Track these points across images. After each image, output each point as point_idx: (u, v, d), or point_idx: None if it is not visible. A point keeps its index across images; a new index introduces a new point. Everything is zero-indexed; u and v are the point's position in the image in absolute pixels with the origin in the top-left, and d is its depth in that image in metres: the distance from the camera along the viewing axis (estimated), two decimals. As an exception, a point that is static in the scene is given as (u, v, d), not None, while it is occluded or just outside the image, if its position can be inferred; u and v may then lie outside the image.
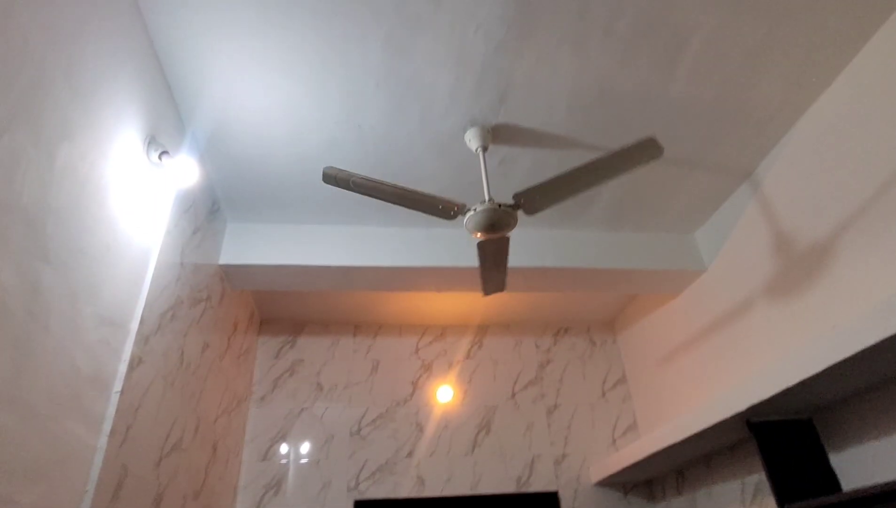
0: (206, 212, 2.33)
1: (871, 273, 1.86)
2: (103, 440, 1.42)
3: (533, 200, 1.82)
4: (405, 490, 3.05)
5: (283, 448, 3.10)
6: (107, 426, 1.44)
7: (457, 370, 3.47)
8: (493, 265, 2.08)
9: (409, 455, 3.15)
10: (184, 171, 1.85)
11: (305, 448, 3.12)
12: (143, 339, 1.66)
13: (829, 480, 1.92)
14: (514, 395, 3.42)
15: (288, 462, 3.06)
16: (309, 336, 3.48)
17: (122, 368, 1.53)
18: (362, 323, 3.56)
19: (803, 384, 1.73)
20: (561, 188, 1.80)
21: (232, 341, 2.76)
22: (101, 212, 1.45)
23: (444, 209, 1.84)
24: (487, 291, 2.23)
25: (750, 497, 2.40)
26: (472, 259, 2.66)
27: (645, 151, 1.69)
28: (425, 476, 3.09)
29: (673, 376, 3.04)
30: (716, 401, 2.09)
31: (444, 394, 3.37)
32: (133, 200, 1.64)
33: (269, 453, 3.08)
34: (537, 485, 3.14)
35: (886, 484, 1.57)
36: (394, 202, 1.85)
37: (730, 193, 2.62)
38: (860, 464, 1.87)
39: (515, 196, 1.82)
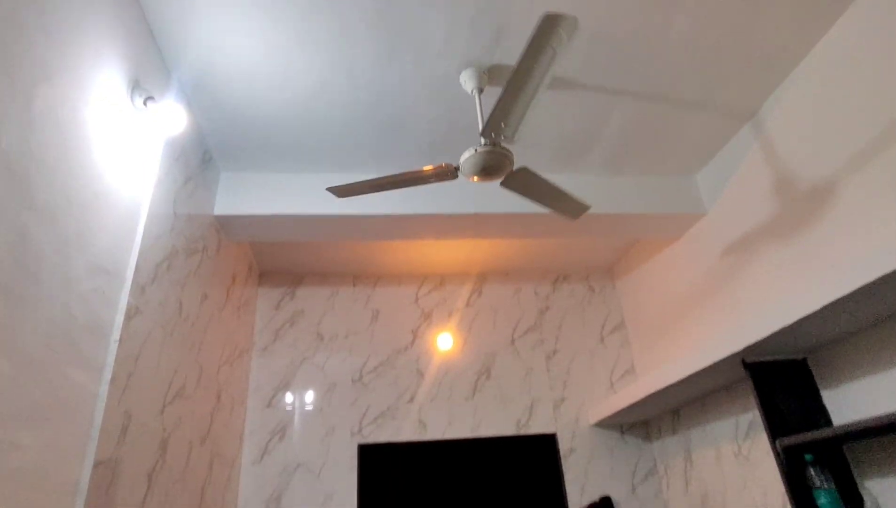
0: (198, 161, 2.28)
1: (873, 215, 1.84)
2: (104, 388, 1.44)
3: (497, 125, 1.74)
4: (407, 434, 3.13)
5: (287, 397, 3.16)
6: (107, 374, 1.46)
7: (456, 318, 3.50)
8: (548, 195, 1.98)
9: (411, 400, 3.22)
10: (171, 117, 1.80)
11: (308, 395, 3.18)
12: (139, 289, 1.65)
13: (821, 416, 1.96)
14: (513, 341, 3.46)
15: (292, 410, 3.13)
16: (308, 287, 3.49)
17: (119, 317, 1.53)
18: (361, 273, 3.57)
19: (799, 324, 1.73)
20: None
21: (231, 292, 2.77)
22: (87, 158, 1.41)
23: (440, 175, 1.80)
24: (574, 215, 2.11)
25: (743, 434, 2.46)
26: (470, 205, 2.63)
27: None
28: (427, 421, 3.17)
29: (671, 320, 3.06)
30: (713, 342, 2.11)
31: (444, 342, 3.41)
32: (120, 146, 1.60)
33: (273, 401, 3.15)
34: (536, 427, 3.22)
35: (875, 419, 1.60)
36: (397, 188, 1.90)
37: (732, 134, 2.56)
38: (851, 401, 1.90)
39: (483, 133, 1.74)
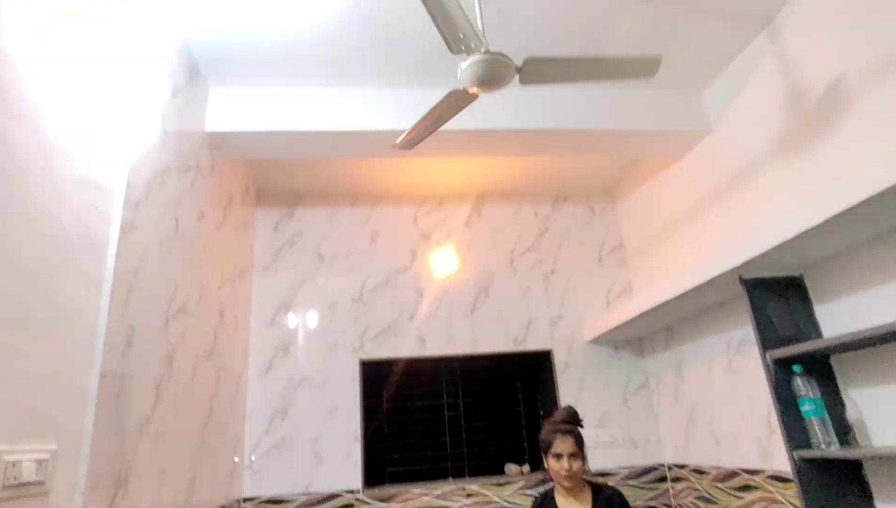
0: (185, 74, 2.18)
1: (887, 129, 1.78)
2: (105, 301, 1.45)
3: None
4: (407, 350, 3.22)
5: (289, 315, 3.22)
6: (107, 288, 1.46)
7: (456, 239, 3.50)
8: (585, 68, 1.86)
9: (411, 318, 3.28)
10: (154, 26, 1.70)
11: (310, 314, 3.24)
12: (132, 205, 1.63)
13: (812, 330, 2.00)
14: (512, 262, 3.48)
15: (295, 328, 3.21)
16: (307, 208, 3.46)
17: (115, 232, 1.52)
18: (360, 194, 3.53)
19: (799, 238, 1.72)
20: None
21: (228, 212, 2.75)
22: (63, 64, 1.34)
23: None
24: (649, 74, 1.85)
25: (734, 349, 2.53)
26: (469, 121, 2.55)
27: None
28: (426, 337, 3.25)
29: (670, 241, 3.06)
30: (711, 258, 2.12)
31: (444, 262, 3.43)
32: (97, 52, 1.52)
33: (275, 319, 3.21)
34: (533, 344, 3.31)
35: (864, 330, 1.63)
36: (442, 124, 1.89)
37: (745, 44, 2.43)
38: (843, 316, 1.93)
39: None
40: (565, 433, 2.14)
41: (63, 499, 1.27)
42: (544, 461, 2.21)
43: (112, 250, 1.50)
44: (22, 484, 1.11)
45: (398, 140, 1.98)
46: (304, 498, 2.90)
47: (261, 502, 2.87)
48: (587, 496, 2.15)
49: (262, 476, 2.92)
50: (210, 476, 2.34)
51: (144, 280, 1.69)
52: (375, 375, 3.30)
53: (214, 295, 2.47)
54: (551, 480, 2.22)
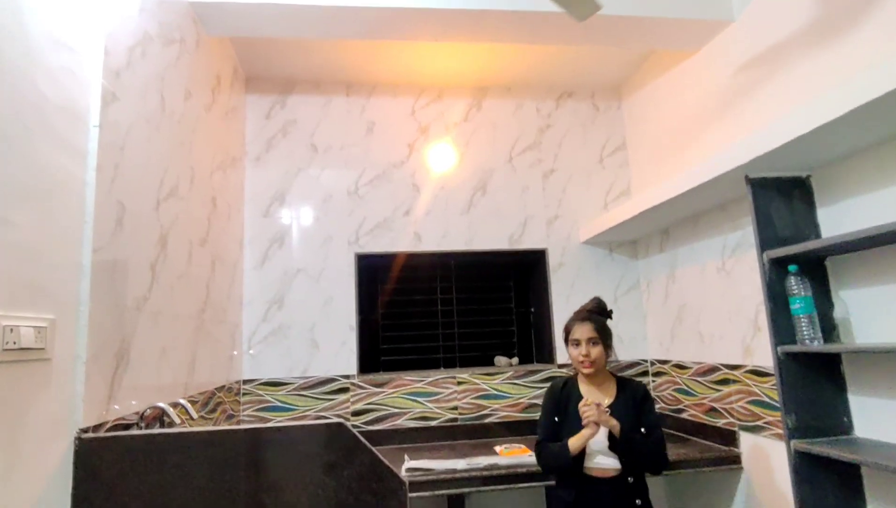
0: (162, -69, 1.96)
1: (922, 13, 1.65)
2: (91, 175, 1.39)
3: None
4: (403, 245, 3.22)
5: (284, 206, 3.18)
6: (92, 161, 1.40)
7: (454, 134, 3.39)
8: None
9: (407, 213, 3.25)
10: None
11: (305, 205, 3.20)
12: (112, 73, 1.52)
13: (812, 232, 1.99)
14: (511, 159, 3.40)
15: (289, 219, 3.17)
16: (300, 95, 3.30)
17: (95, 101, 1.43)
18: (355, 82, 3.36)
19: (812, 135, 1.66)
20: None
21: (217, 95, 2.61)
22: None
23: None
24: (580, 16, 1.79)
25: (729, 252, 2.54)
26: (471, 0, 2.37)
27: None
28: (422, 233, 3.24)
29: (675, 143, 2.97)
30: (718, 156, 2.06)
31: (441, 157, 3.34)
32: None
33: (269, 210, 3.17)
34: (528, 243, 3.32)
35: (862, 231, 1.62)
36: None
37: (781, -80, 2.20)
38: (843, 218, 1.92)
39: None
40: (584, 319, 2.06)
41: (66, 367, 1.29)
42: (567, 351, 2.13)
43: (94, 120, 1.41)
44: (22, 349, 1.12)
45: None
46: (302, 382, 3.02)
47: (260, 384, 3.00)
48: (611, 387, 2.07)
49: (261, 360, 3.02)
50: (210, 359, 2.41)
51: (132, 157, 1.62)
52: (371, 268, 3.33)
53: (206, 181, 2.41)
54: (570, 368, 2.21)
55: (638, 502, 1.92)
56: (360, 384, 3.06)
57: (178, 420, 1.64)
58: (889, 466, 1.56)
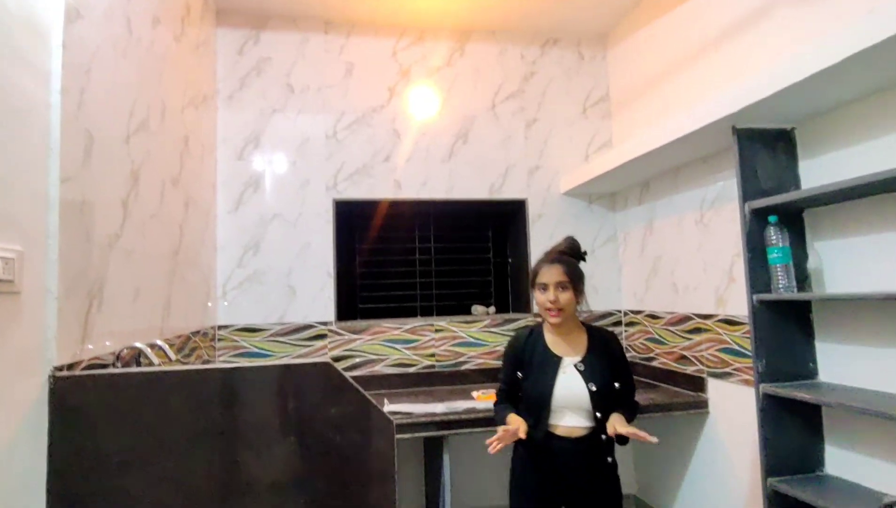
0: None
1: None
2: (56, 97, 1.29)
3: None
4: (382, 192, 3.16)
5: (258, 149, 3.06)
6: (56, 83, 1.29)
7: (436, 78, 3.28)
8: None
9: (387, 159, 3.17)
10: None
11: (281, 149, 3.09)
12: (75, -12, 1.39)
13: (793, 184, 2.02)
14: (494, 106, 3.33)
15: (264, 163, 3.06)
16: (274, 32, 3.13)
17: (59, 17, 1.31)
18: (333, 20, 3.19)
19: (810, 81, 1.65)
20: None
21: (186, 27, 2.44)
22: None
23: None
24: None
25: (708, 205, 2.57)
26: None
27: None
28: (402, 180, 3.18)
29: (660, 95, 2.94)
30: (705, 105, 2.04)
31: (422, 102, 3.25)
32: None
33: (243, 153, 3.05)
34: (509, 193, 3.30)
35: (840, 182, 1.65)
36: None
37: None
38: (824, 171, 1.94)
39: None
40: (553, 261, 1.82)
41: (36, 302, 1.23)
42: (532, 296, 1.91)
43: (58, 38, 1.30)
44: (-11, 280, 1.06)
45: None
46: (278, 328, 2.99)
47: (235, 329, 2.96)
48: (581, 338, 1.85)
49: (236, 306, 2.97)
50: (184, 303, 2.35)
51: (99, 82, 1.51)
52: (349, 214, 3.27)
53: (177, 118, 2.28)
54: (538, 318, 1.97)
55: (609, 459, 1.81)
56: (338, 330, 3.05)
57: (156, 361, 1.61)
58: (847, 405, 1.65)
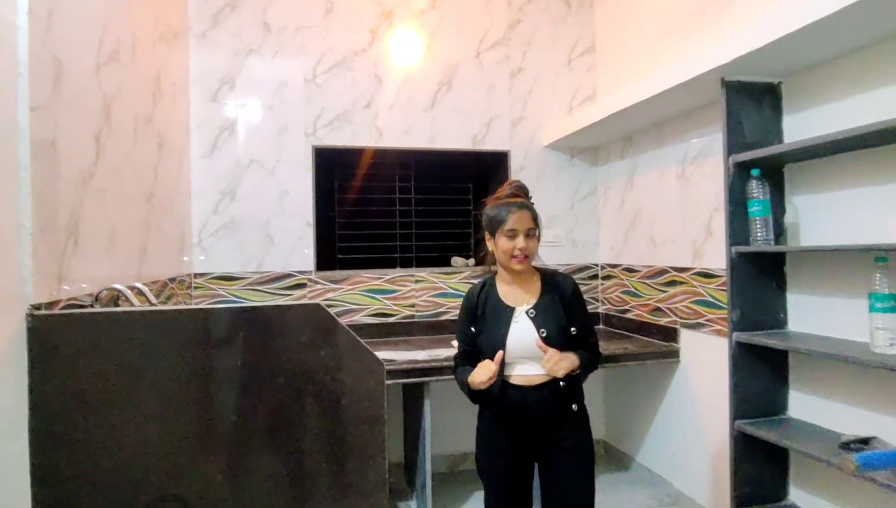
0: None
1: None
2: (23, 18, 1.20)
3: None
4: (363, 140, 3.08)
5: (234, 91, 2.93)
6: (23, 3, 1.20)
7: (420, 22, 3.17)
8: None
9: (368, 106, 3.09)
10: None
11: (257, 92, 2.96)
12: None
13: (776, 138, 2.04)
14: (478, 54, 3.24)
15: (240, 106, 2.94)
16: (248, -36, 2.95)
17: (20, -71, 1.20)
18: (312, -46, 3.03)
19: (803, 32, 1.64)
20: None
21: (154, -48, 2.28)
22: None
23: None
24: None
25: (690, 159, 2.59)
26: None
27: None
28: (383, 128, 3.11)
29: (647, 48, 2.90)
30: (694, 57, 2.03)
31: (406, 47, 3.14)
32: None
33: (218, 95, 2.92)
34: (491, 144, 3.26)
35: (823, 136, 1.68)
36: None
37: None
38: (807, 126, 1.97)
39: None
40: (521, 206, 1.70)
41: (9, 238, 1.18)
42: (489, 244, 1.78)
43: (19, -47, 1.20)
44: (-39, 211, 1.00)
45: None
46: (256, 277, 2.95)
47: (212, 278, 2.90)
48: (534, 285, 1.77)
49: (212, 254, 2.91)
50: (160, 249, 2.29)
51: (67, 6, 1.41)
52: (329, 163, 3.19)
53: (149, 53, 2.16)
54: (494, 266, 1.83)
55: (574, 407, 1.70)
56: (318, 279, 3.03)
57: (136, 303, 1.57)
58: (813, 351, 1.74)
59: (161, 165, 2.31)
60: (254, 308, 1.34)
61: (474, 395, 1.75)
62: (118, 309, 1.30)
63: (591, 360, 1.76)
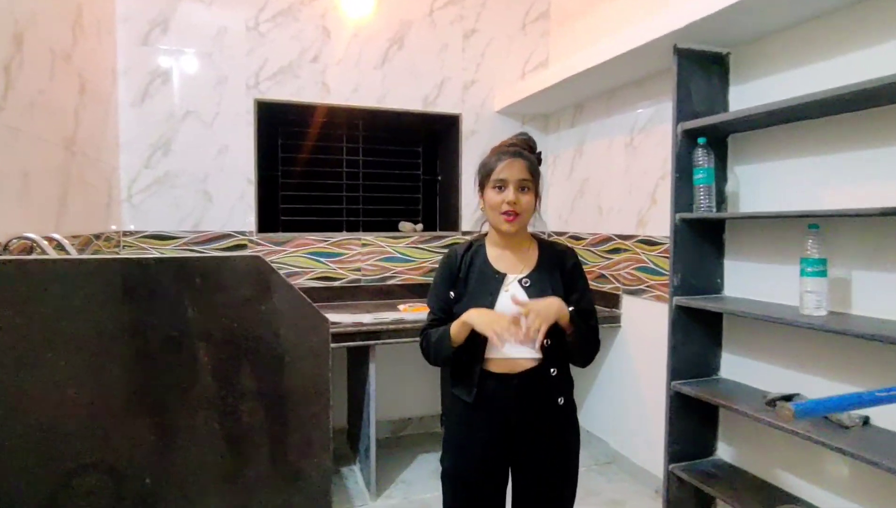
0: None
1: None
2: None
3: None
4: (309, 95, 2.94)
5: (168, 34, 2.71)
6: None
7: (371, -27, 3.02)
8: None
9: (315, 59, 2.93)
10: None
11: (194, 37, 2.75)
12: None
13: (722, 108, 2.09)
14: (431, 12, 3.14)
15: (175, 51, 2.73)
16: None
17: None
18: None
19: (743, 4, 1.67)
20: None
21: None
22: None
23: None
24: None
25: (640, 127, 2.62)
26: None
27: None
28: (331, 84, 2.97)
29: (601, 15, 2.89)
30: (649, 21, 2.03)
31: (356, -2, 3.00)
32: None
33: (149, 38, 2.69)
34: (443, 106, 3.19)
35: (766, 105, 1.72)
36: None
37: None
38: (752, 97, 2.02)
39: None
40: (516, 154, 1.41)
41: None
42: (480, 200, 1.49)
43: None
44: None
45: None
46: (193, 236, 2.79)
47: (144, 236, 2.72)
48: (531, 253, 1.48)
49: (144, 210, 2.72)
50: (83, 203, 2.11)
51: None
52: (272, 118, 3.03)
53: (66, -19, 1.94)
54: (482, 228, 1.56)
55: (560, 401, 1.43)
56: (259, 241, 2.90)
57: (52, 254, 1.43)
58: (745, 313, 1.83)
59: (83, 111, 2.12)
60: (187, 259, 1.24)
61: (445, 364, 1.45)
62: (29, 257, 1.18)
63: (588, 330, 1.43)
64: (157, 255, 1.25)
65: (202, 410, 1.27)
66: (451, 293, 1.47)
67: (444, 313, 1.48)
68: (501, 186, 1.39)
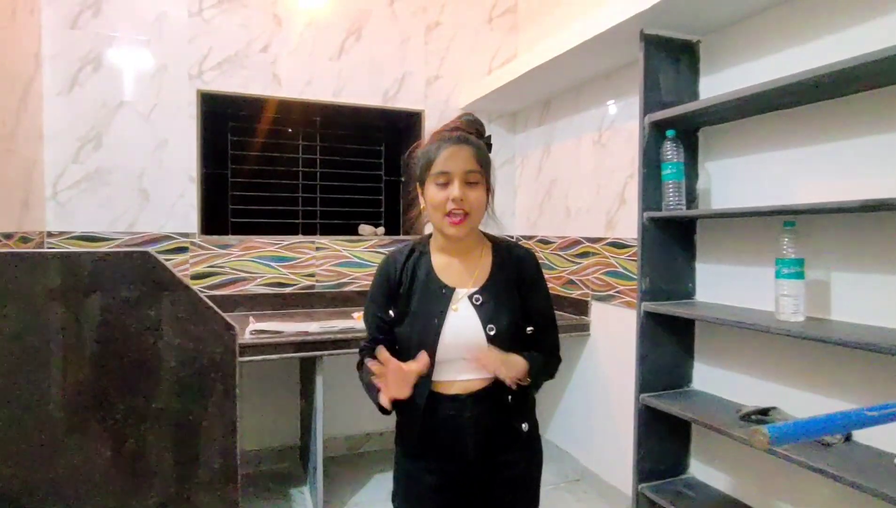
0: None
1: None
2: None
3: None
4: (258, 87, 2.74)
5: (99, 17, 2.49)
6: None
7: (327, -41, 2.85)
8: None
9: (265, 49, 2.74)
10: None
11: (130, 21, 2.54)
12: None
13: (693, 99, 1.95)
14: (392, 3, 2.97)
15: (108, 36, 2.51)
16: None
17: None
18: None
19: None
20: None
21: None
22: None
23: None
24: None
25: (608, 124, 2.48)
26: None
27: None
28: (282, 76, 2.77)
29: (569, 11, 2.75)
30: (615, 5, 1.89)
31: (310, -15, 2.82)
32: None
33: (79, 21, 2.47)
34: (404, 102, 3.01)
35: (738, 91, 1.58)
36: None
37: None
38: (722, 88, 1.88)
39: None
40: (460, 140, 1.19)
41: None
42: (419, 196, 1.26)
43: None
44: None
45: None
46: (128, 238, 2.56)
47: (71, 237, 2.48)
48: (483, 259, 1.26)
49: (71, 209, 2.48)
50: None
51: None
52: (219, 112, 2.82)
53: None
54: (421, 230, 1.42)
55: (525, 427, 1.24)
56: (203, 244, 2.68)
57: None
58: (718, 320, 1.67)
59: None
60: (59, 255, 1.04)
61: (384, 407, 1.17)
62: None
63: (547, 365, 1.28)
64: (22, 250, 1.04)
65: (75, 433, 1.06)
66: (391, 313, 1.25)
67: (383, 333, 1.26)
68: (445, 180, 1.16)
